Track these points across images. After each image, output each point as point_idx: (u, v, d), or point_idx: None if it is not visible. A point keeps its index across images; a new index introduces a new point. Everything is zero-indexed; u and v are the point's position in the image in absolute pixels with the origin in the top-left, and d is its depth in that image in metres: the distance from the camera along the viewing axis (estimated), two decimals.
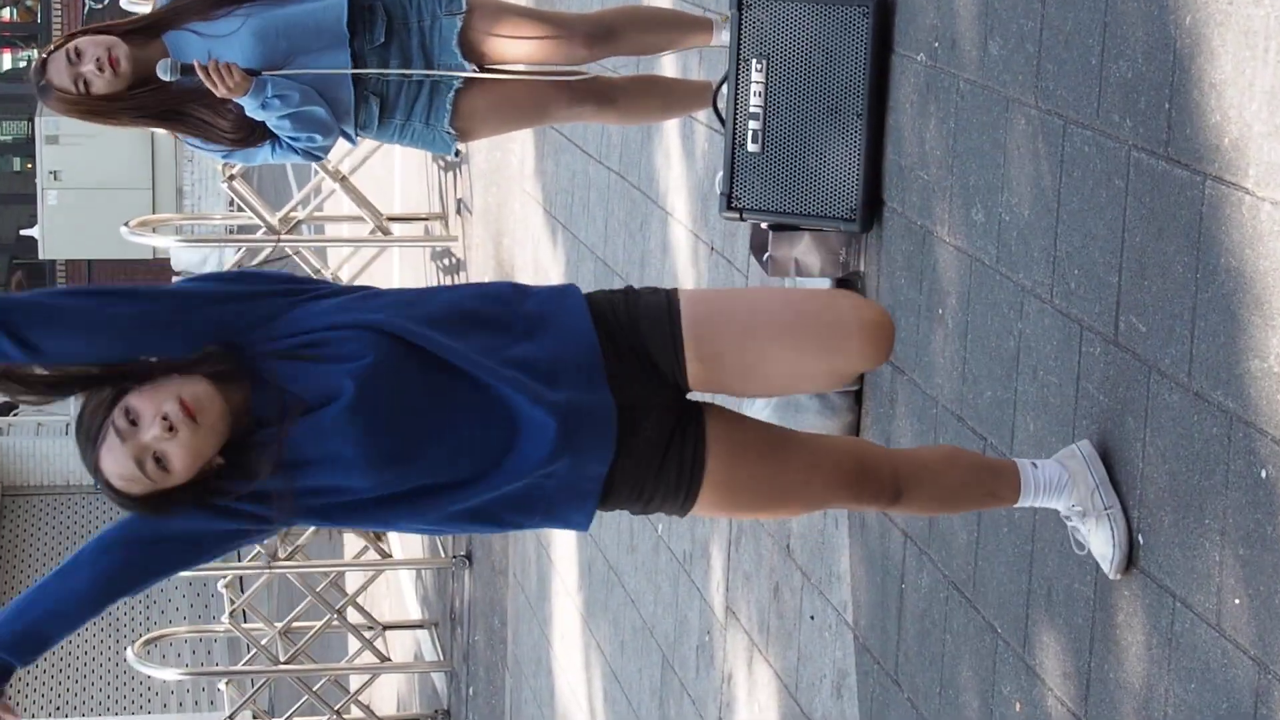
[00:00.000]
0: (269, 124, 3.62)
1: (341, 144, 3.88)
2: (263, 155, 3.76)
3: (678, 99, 4.10)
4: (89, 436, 2.40)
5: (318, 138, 3.67)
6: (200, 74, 3.50)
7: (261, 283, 2.51)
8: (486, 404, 2.47)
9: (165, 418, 2.35)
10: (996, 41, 2.99)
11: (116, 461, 2.37)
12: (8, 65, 21.07)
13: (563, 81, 3.83)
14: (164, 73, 3.49)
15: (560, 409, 2.47)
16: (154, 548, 2.45)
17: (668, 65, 4.53)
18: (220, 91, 3.51)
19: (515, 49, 3.77)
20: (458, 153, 3.87)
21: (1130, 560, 2.61)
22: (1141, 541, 2.60)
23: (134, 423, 2.36)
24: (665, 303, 2.58)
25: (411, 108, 3.74)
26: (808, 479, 2.66)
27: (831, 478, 2.67)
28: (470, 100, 3.75)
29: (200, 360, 2.42)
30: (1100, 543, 2.64)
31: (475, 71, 3.74)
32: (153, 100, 3.58)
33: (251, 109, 3.59)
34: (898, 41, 3.37)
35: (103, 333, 2.41)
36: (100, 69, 3.50)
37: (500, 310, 2.54)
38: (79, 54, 3.50)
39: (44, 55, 3.57)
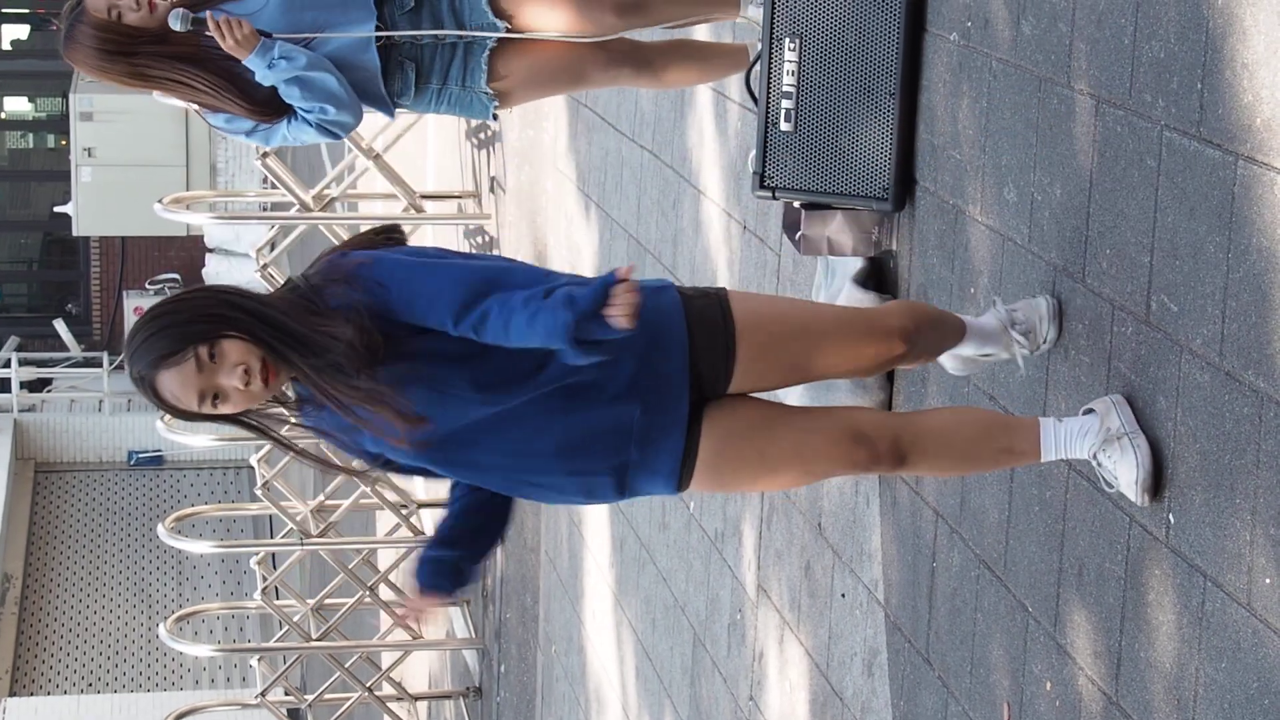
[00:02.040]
0: (280, 91, 3.63)
1: (374, 121, 3.89)
2: (280, 133, 3.75)
3: (715, 62, 4.07)
4: (156, 353, 2.53)
5: (330, 109, 3.65)
6: (210, 25, 3.54)
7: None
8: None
9: (246, 371, 2.54)
10: (1029, 21, 3.00)
11: (181, 385, 2.55)
12: (42, 43, 21.16)
13: (598, 45, 3.82)
14: (175, 21, 3.53)
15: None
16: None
17: (700, 32, 4.53)
18: (227, 45, 3.53)
19: (545, 14, 3.76)
20: (496, 116, 3.84)
21: (1157, 484, 2.59)
22: (1170, 471, 2.58)
23: (214, 359, 2.53)
24: (719, 310, 2.71)
25: (447, 71, 3.72)
26: (797, 451, 2.70)
27: (823, 449, 2.71)
28: (506, 61, 3.73)
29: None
30: (1126, 470, 2.63)
31: (507, 30, 3.72)
32: (175, 45, 3.62)
33: (260, 72, 3.60)
34: (931, 21, 3.38)
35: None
36: (137, 5, 3.56)
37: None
38: None
39: None
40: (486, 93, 3.74)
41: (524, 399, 2.63)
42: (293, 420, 2.70)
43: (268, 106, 3.67)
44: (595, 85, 3.98)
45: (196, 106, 3.77)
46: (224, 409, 2.58)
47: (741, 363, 2.69)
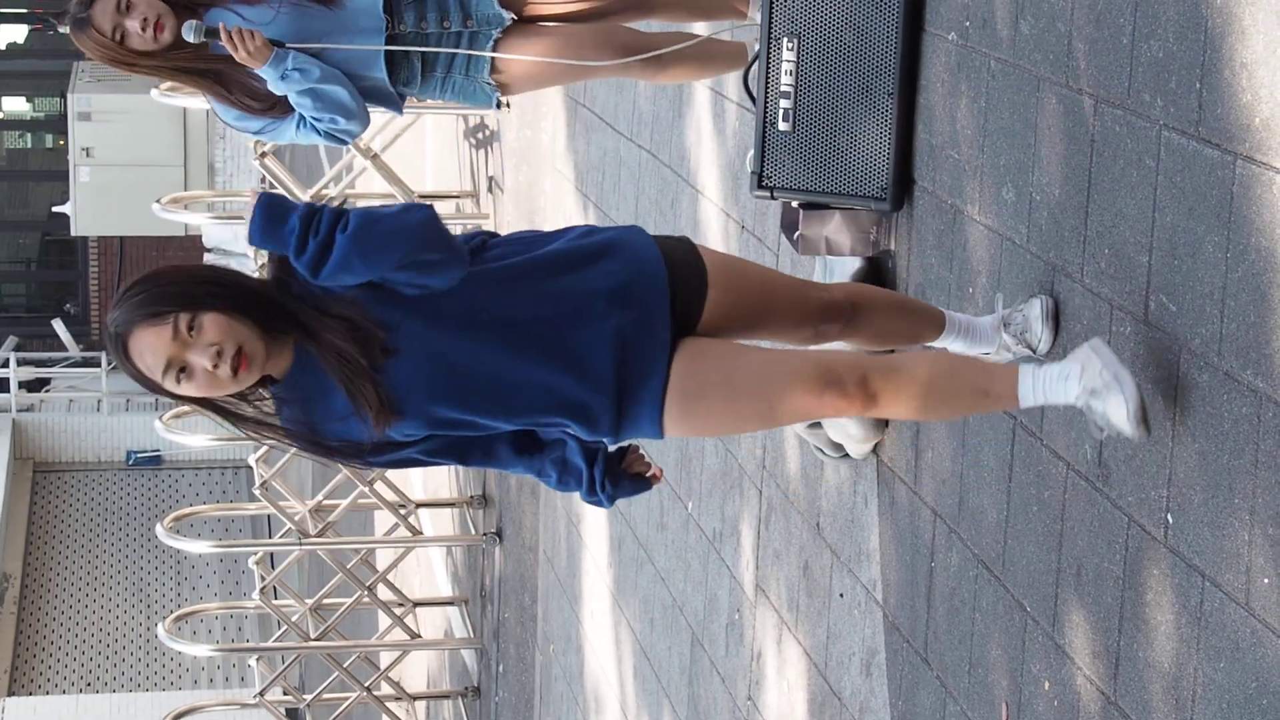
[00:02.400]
0: (291, 100, 3.65)
1: (373, 121, 3.89)
2: (288, 133, 3.77)
3: (714, 60, 4.07)
4: (140, 311, 2.50)
5: (340, 120, 3.68)
6: (223, 37, 3.53)
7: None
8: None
9: (219, 353, 2.50)
10: (1028, 20, 3.00)
11: (153, 350, 2.50)
12: (40, 43, 21.15)
13: (601, 33, 3.82)
14: (189, 34, 3.54)
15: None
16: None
17: (700, 29, 4.52)
18: (240, 56, 3.54)
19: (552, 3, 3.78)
20: (499, 104, 3.84)
21: (1145, 409, 2.56)
22: (1151, 403, 2.58)
23: (192, 331, 2.50)
24: (689, 248, 2.79)
25: (451, 59, 3.73)
26: (765, 381, 2.69)
27: (791, 382, 2.69)
28: (507, 49, 3.73)
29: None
30: (1116, 408, 2.59)
31: (514, 21, 3.74)
32: (182, 62, 3.63)
33: (272, 82, 3.62)
34: (929, 20, 3.38)
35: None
36: (143, 29, 3.55)
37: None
38: (130, 7, 3.54)
39: None
40: (489, 82, 3.76)
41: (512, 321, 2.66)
42: (265, 421, 2.65)
43: (276, 105, 3.68)
44: (597, 75, 3.98)
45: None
46: (186, 388, 2.53)
47: (713, 296, 2.73)
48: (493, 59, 3.73)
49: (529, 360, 2.62)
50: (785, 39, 3.51)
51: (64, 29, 3.67)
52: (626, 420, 2.71)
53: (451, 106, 7.05)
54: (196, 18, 3.59)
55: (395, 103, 3.79)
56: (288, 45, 3.60)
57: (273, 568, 8.29)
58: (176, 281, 2.54)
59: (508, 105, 3.99)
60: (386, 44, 3.69)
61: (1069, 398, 2.69)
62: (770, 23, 3.52)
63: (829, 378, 2.68)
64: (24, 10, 20.81)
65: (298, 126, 3.74)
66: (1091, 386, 2.64)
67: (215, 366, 2.49)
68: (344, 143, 3.81)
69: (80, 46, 3.66)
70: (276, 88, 3.62)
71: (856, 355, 2.88)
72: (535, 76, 3.83)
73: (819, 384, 2.68)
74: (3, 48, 20.60)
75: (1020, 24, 3.03)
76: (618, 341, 2.66)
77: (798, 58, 3.50)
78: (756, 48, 3.67)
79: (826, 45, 3.48)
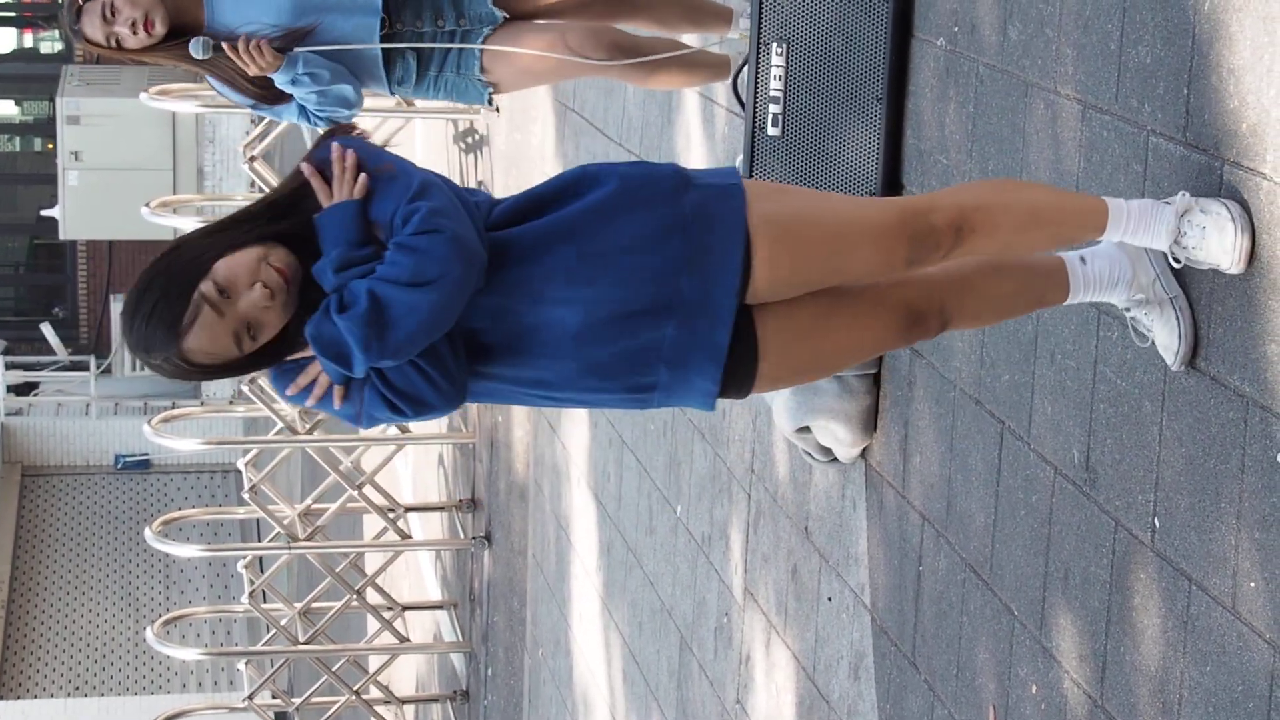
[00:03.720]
0: (296, 96, 3.68)
1: (363, 125, 3.91)
2: (288, 115, 3.83)
3: (699, 69, 4.08)
4: (171, 323, 2.32)
5: (341, 111, 3.73)
6: (231, 54, 3.55)
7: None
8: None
9: (266, 285, 2.33)
10: (1016, 26, 3.00)
11: (212, 338, 2.33)
12: (29, 44, 21.12)
13: (590, 31, 3.85)
14: (197, 51, 3.54)
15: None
16: None
17: (689, 38, 4.53)
18: (252, 70, 3.57)
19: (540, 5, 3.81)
20: (491, 100, 3.85)
21: (1195, 353, 2.52)
22: (1205, 340, 2.49)
23: (225, 294, 2.33)
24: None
25: (444, 58, 3.77)
26: (857, 345, 2.60)
27: (881, 335, 2.61)
28: (498, 45, 3.76)
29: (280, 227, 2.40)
30: (1165, 333, 2.54)
31: (506, 18, 3.77)
32: (182, 52, 3.63)
33: (282, 83, 3.66)
34: (918, 26, 3.38)
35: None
36: (134, 30, 3.55)
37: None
38: (114, 13, 3.53)
39: (80, 3, 3.57)
40: (480, 79, 3.78)
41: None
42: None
43: (275, 90, 3.72)
44: (584, 74, 3.99)
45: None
46: (265, 337, 2.35)
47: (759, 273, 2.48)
48: (482, 59, 3.75)
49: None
50: (774, 44, 3.51)
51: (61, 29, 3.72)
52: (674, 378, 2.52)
53: (444, 108, 7.06)
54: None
55: (385, 85, 3.82)
56: (297, 50, 3.62)
57: (262, 571, 8.27)
58: (168, 274, 2.36)
59: (497, 109, 4.01)
60: (383, 42, 3.70)
61: (1119, 300, 2.62)
62: (760, 28, 3.52)
63: (916, 319, 2.60)
64: (13, 14, 20.79)
65: (299, 113, 3.79)
66: (1144, 296, 2.57)
67: (272, 296, 2.33)
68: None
69: (85, 49, 3.69)
70: (285, 88, 3.66)
71: (928, 284, 2.67)
72: (525, 73, 3.84)
73: (908, 329, 2.59)
74: (2, 53, 20.57)
75: (1008, 30, 3.03)
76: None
77: (787, 63, 3.50)
78: (743, 55, 3.68)
79: (815, 50, 3.48)
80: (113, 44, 3.56)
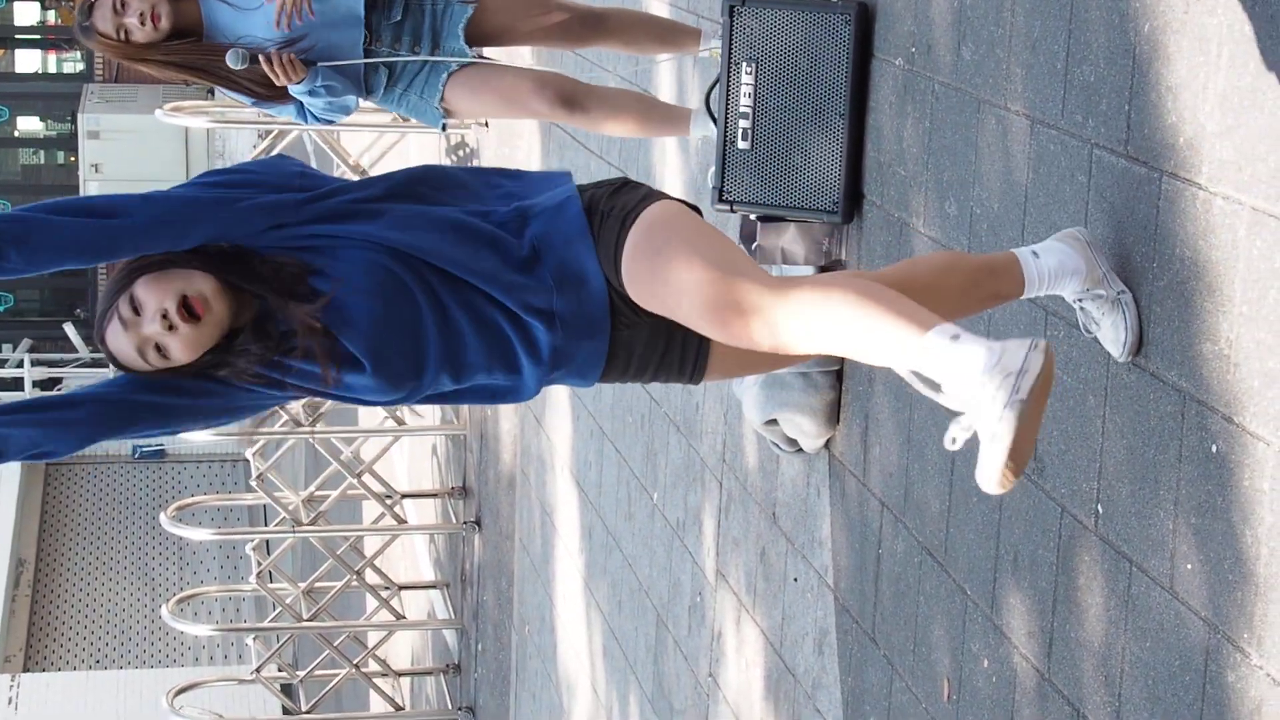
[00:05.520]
0: (304, 101, 3.72)
1: (361, 139, 3.93)
2: (287, 112, 3.87)
3: (654, 122, 4.02)
4: (100, 313, 2.33)
5: (339, 116, 3.82)
6: (265, 65, 3.56)
7: (270, 175, 2.39)
8: (487, 320, 2.38)
9: (165, 315, 2.27)
10: (969, 47, 2.98)
11: (120, 345, 2.31)
12: (53, 65, 21.01)
13: (545, 80, 3.84)
14: (233, 61, 3.55)
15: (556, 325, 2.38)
16: (140, 409, 2.34)
17: (663, 91, 4.51)
18: (280, 81, 3.60)
19: (516, 39, 3.85)
20: (444, 127, 3.92)
21: (1141, 343, 2.47)
22: (1146, 339, 2.44)
23: (138, 312, 2.29)
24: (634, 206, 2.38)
25: (412, 80, 3.82)
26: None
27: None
28: (459, 83, 3.81)
29: (205, 255, 2.32)
30: (1110, 327, 2.48)
31: (476, 58, 3.83)
32: (186, 53, 3.65)
33: (299, 92, 3.71)
34: (877, 46, 3.36)
35: (88, 250, 2.31)
36: (142, 22, 3.56)
37: (496, 234, 2.39)
38: (124, 5, 3.56)
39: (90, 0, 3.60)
40: (438, 108, 3.84)
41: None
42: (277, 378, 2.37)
43: (274, 91, 3.73)
44: (535, 116, 3.98)
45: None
46: (176, 359, 2.28)
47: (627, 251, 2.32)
48: (444, 91, 3.81)
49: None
50: (744, 63, 3.48)
51: (80, 41, 3.71)
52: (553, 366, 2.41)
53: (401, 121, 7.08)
54: (184, 2, 3.61)
55: (362, 91, 3.85)
56: (319, 64, 3.67)
57: (268, 553, 8.23)
58: (110, 282, 2.36)
59: (446, 132, 4.10)
60: (365, 57, 3.75)
61: (1068, 294, 2.51)
62: (730, 48, 3.50)
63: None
64: (39, 38, 20.67)
65: (297, 112, 3.83)
66: (1092, 291, 2.47)
67: (171, 328, 2.26)
68: (331, 123, 3.89)
69: (93, 49, 3.69)
70: (297, 94, 3.70)
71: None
72: (480, 109, 3.90)
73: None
74: (20, 71, 20.44)
75: (962, 50, 3.01)
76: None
77: (755, 81, 3.47)
78: (700, 119, 3.71)
79: (782, 69, 3.46)
80: (121, 36, 3.55)
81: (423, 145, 8.46)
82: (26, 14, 20.74)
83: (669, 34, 4.03)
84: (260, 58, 3.57)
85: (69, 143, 19.04)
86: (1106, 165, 2.55)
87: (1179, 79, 2.36)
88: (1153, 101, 2.42)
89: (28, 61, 20.73)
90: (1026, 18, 2.78)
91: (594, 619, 5.65)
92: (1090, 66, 2.59)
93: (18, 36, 20.47)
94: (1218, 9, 2.27)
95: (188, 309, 2.28)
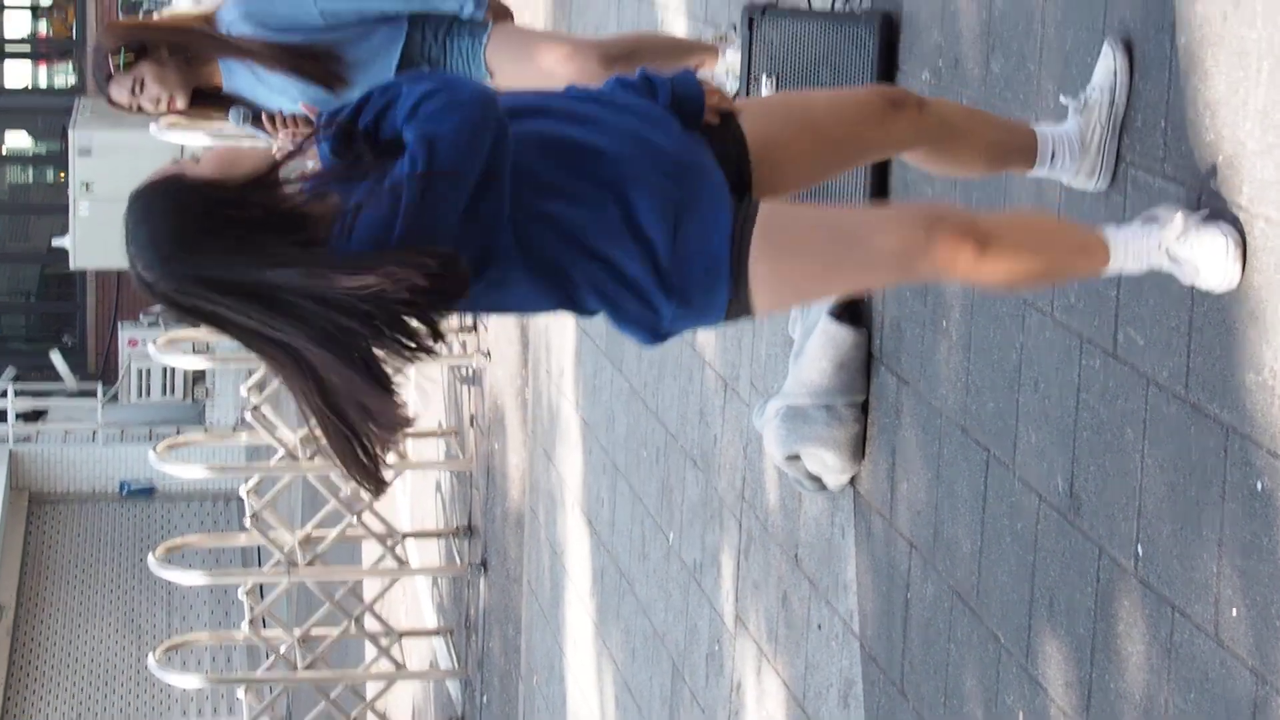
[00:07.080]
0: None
1: None
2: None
3: None
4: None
5: None
6: (269, 127, 3.63)
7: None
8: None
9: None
10: (999, 60, 3.00)
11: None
12: (43, 81, 21.17)
13: (590, 57, 3.89)
14: (236, 120, 3.72)
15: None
16: None
17: None
18: (284, 144, 3.67)
19: (531, 73, 3.85)
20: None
21: (1245, 257, 2.33)
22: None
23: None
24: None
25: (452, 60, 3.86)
26: (876, 224, 2.39)
27: (900, 218, 2.40)
28: (498, 50, 3.85)
29: None
30: (1214, 247, 2.34)
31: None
32: (201, 110, 3.85)
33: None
34: (903, 59, 3.38)
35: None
36: (156, 106, 3.75)
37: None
38: (141, 88, 3.72)
39: (110, 71, 3.71)
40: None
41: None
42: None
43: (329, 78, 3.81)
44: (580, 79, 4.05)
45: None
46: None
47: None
48: (485, 58, 3.84)
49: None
50: (764, 76, 3.51)
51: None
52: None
53: None
54: (205, 59, 3.73)
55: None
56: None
57: (261, 598, 8.24)
58: None
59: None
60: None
61: (1156, 260, 2.42)
62: (749, 60, 3.52)
63: (940, 223, 2.34)
64: (28, 50, 20.85)
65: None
66: (1180, 235, 2.37)
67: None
68: None
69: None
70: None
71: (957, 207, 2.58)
72: (525, 74, 3.90)
73: (932, 222, 2.34)
74: (9, 86, 20.61)
75: (991, 63, 3.02)
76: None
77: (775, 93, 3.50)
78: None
79: (803, 82, 3.48)
80: (135, 108, 3.76)
81: None
82: (17, 24, 20.91)
83: (688, 55, 4.08)
84: (264, 117, 3.65)
85: (59, 159, 19.16)
86: (1141, 185, 2.56)
87: (1217, 95, 2.37)
88: (1190, 118, 2.44)
89: (17, 73, 20.88)
90: (1058, 29, 2.80)
91: (606, 668, 5.64)
92: None
93: (7, 49, 20.65)
94: (1256, 22, 2.28)
95: None
